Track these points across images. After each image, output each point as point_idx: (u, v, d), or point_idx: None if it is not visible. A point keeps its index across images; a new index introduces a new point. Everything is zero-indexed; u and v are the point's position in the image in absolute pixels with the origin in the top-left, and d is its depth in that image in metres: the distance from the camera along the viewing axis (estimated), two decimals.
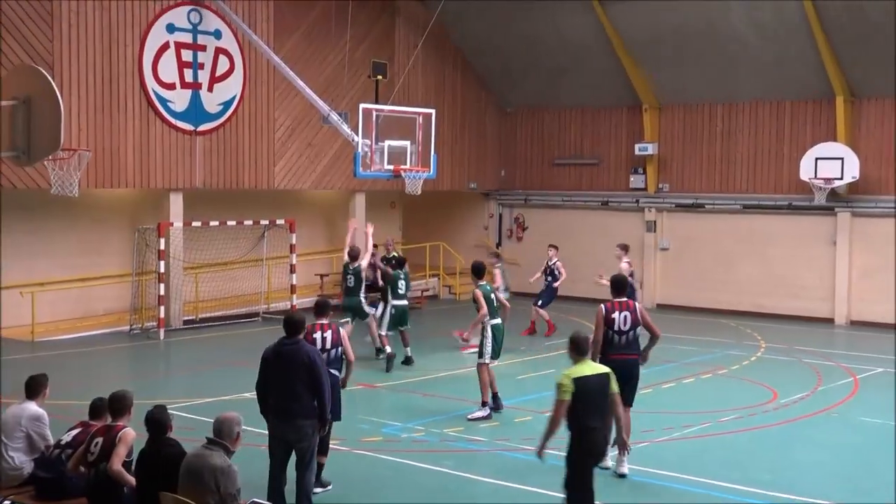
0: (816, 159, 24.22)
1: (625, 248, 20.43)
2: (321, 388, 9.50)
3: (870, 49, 23.23)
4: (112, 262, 22.80)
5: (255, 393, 9.89)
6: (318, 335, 11.15)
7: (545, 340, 21.08)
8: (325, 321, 11.35)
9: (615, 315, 11.67)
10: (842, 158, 23.90)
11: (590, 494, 9.06)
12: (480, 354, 14.55)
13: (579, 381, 8.87)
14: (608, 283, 12.34)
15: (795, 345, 21.14)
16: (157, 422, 8.38)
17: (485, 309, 14.41)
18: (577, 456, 8.97)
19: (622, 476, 11.55)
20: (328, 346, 11.17)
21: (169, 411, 8.56)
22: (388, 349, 17.96)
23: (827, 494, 11.06)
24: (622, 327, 11.66)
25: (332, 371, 11.36)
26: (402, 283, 18.45)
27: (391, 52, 26.79)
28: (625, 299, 11.95)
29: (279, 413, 9.54)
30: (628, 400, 11.62)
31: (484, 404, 14.35)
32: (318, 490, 10.70)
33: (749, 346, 21.08)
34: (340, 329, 11.56)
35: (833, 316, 24.57)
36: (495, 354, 14.68)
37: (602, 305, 11.82)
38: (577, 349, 9.13)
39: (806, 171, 24.36)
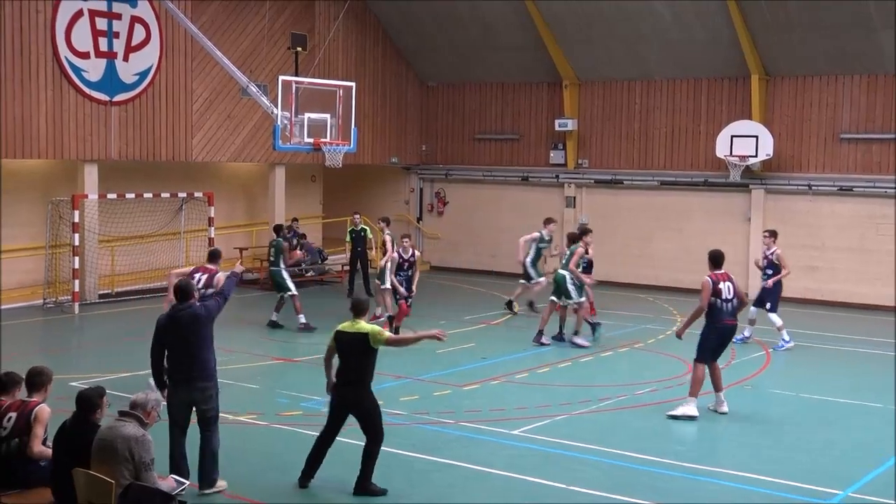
0: (732, 137, 24.58)
1: (773, 234, 19.19)
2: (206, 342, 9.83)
3: (784, 29, 23.62)
4: (24, 235, 22.26)
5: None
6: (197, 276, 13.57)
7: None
8: (210, 265, 13.79)
9: (721, 286, 13.26)
10: (756, 136, 24.30)
11: (329, 436, 10.10)
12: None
13: (337, 335, 9.99)
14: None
15: None
16: (88, 401, 8.21)
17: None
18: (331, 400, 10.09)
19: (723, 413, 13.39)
20: (200, 286, 13.13)
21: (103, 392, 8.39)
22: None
23: (739, 465, 11.30)
24: (727, 296, 13.27)
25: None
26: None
27: (311, 24, 26.51)
28: (723, 271, 13.38)
29: (180, 378, 9.64)
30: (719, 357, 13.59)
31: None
32: None
33: (665, 321, 21.40)
34: (220, 273, 13.37)
35: (747, 290, 24.98)
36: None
37: (708, 278, 13.28)
38: (354, 309, 10.10)
39: (721, 149, 24.73)
